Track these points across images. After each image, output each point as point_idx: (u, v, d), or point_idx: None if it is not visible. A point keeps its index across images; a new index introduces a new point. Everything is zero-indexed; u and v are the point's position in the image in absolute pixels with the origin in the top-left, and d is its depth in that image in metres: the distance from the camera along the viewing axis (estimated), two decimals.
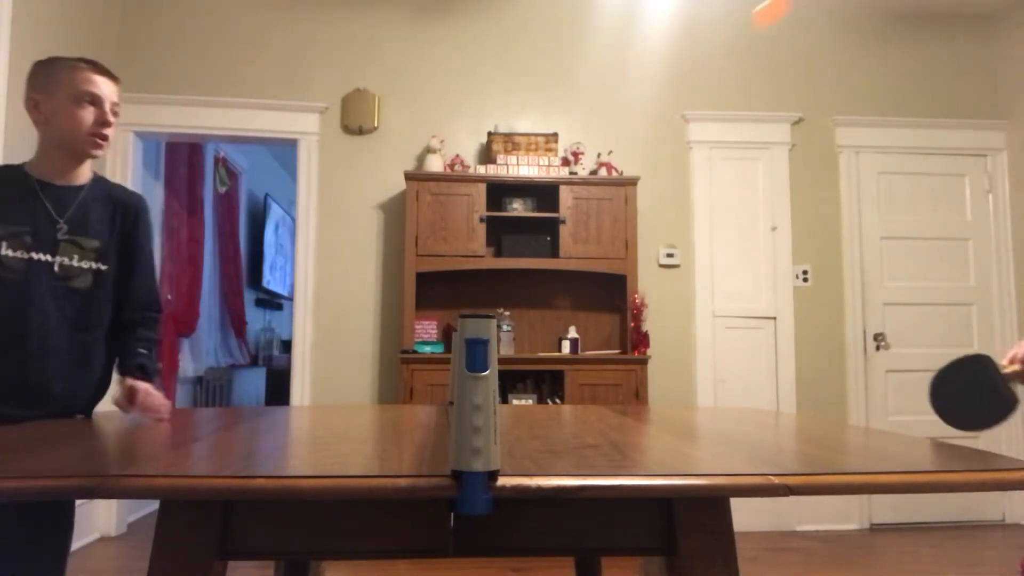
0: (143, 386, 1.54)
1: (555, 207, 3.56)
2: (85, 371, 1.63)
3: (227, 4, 3.81)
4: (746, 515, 3.72)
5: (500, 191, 3.62)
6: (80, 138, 1.56)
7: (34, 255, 1.54)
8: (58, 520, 1.57)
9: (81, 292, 1.60)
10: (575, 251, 3.48)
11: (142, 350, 1.68)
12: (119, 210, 1.68)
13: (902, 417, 3.84)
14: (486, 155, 3.73)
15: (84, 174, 1.64)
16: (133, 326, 1.70)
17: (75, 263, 1.59)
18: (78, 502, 2.00)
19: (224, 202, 5.16)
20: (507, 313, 3.56)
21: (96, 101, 1.57)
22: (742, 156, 3.95)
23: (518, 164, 3.55)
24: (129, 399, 1.52)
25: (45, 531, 1.55)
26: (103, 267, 1.63)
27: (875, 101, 4.06)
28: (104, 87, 1.58)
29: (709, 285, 3.85)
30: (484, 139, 3.82)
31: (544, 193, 3.65)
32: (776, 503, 3.76)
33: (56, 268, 1.57)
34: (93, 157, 1.61)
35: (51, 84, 1.55)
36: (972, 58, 4.13)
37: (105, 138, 1.59)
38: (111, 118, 1.59)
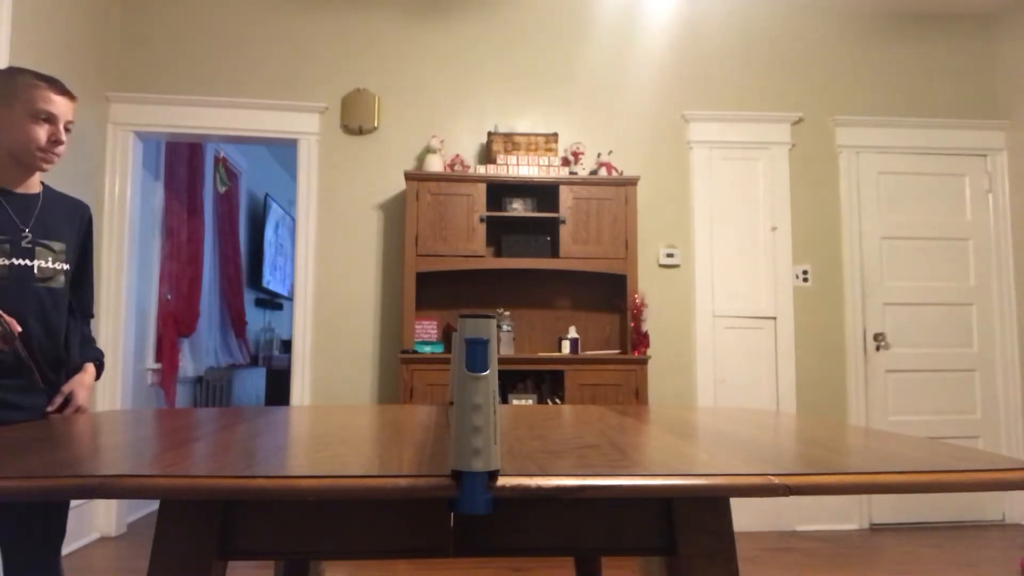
0: (90, 383, 1.75)
1: (555, 207, 3.56)
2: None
3: (227, 4, 3.81)
4: (746, 515, 3.72)
5: (500, 191, 3.62)
6: (31, 153, 1.61)
7: (14, 260, 1.61)
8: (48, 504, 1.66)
9: (56, 292, 1.69)
10: (575, 251, 3.48)
11: (96, 345, 1.84)
12: (74, 216, 1.77)
13: (902, 417, 3.84)
14: (486, 155, 3.73)
15: (36, 183, 1.71)
16: (81, 325, 1.83)
17: (50, 264, 1.67)
18: (78, 502, 2.04)
19: (224, 202, 5.16)
20: (507, 313, 3.56)
21: (52, 119, 1.61)
22: (742, 156, 3.95)
23: (518, 164, 3.55)
24: (80, 388, 1.70)
25: (37, 514, 1.63)
26: (68, 268, 1.72)
27: (875, 101, 4.06)
28: (61, 106, 1.63)
29: (709, 285, 3.85)
30: (484, 139, 3.82)
31: (544, 193, 3.65)
32: (776, 503, 3.76)
33: (36, 271, 1.64)
34: (43, 171, 1.67)
35: (10, 97, 1.59)
36: (972, 58, 4.13)
37: (56, 155, 1.65)
38: (63, 136, 1.64)
